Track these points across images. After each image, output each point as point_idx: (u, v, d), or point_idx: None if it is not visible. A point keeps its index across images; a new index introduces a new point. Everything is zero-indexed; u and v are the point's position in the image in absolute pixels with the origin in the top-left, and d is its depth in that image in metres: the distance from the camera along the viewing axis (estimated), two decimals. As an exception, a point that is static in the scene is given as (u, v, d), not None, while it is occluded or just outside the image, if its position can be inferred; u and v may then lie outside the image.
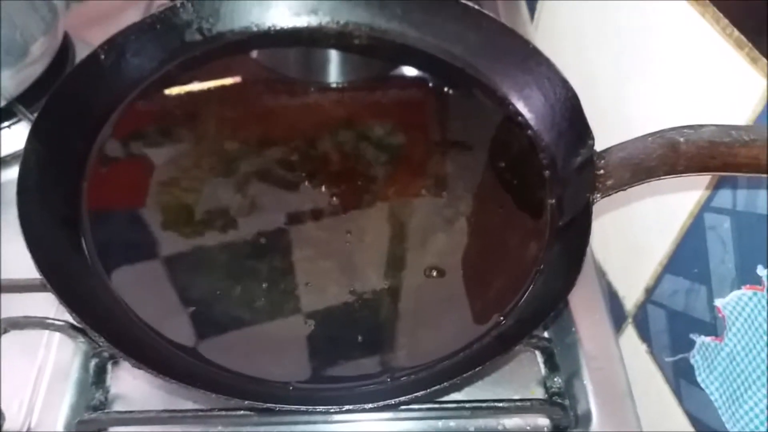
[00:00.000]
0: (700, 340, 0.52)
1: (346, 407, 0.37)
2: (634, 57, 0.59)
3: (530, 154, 0.53)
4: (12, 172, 0.61)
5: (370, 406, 0.37)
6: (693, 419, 0.54)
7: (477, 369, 0.38)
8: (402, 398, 0.37)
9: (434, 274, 0.48)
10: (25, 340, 0.50)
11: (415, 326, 0.46)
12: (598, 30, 0.66)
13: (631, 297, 0.60)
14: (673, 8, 0.50)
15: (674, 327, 0.56)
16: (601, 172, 0.46)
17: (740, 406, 0.47)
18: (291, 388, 0.41)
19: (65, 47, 0.65)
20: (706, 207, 0.50)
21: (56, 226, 0.46)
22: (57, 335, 0.51)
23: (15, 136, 0.61)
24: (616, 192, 0.46)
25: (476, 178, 0.54)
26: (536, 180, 0.52)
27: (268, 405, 0.37)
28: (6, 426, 0.47)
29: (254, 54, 0.61)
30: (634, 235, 0.59)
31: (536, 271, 0.46)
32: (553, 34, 0.76)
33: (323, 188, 0.53)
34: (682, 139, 0.44)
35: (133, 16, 0.73)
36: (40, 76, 0.61)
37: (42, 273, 0.40)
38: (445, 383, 0.37)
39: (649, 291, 0.59)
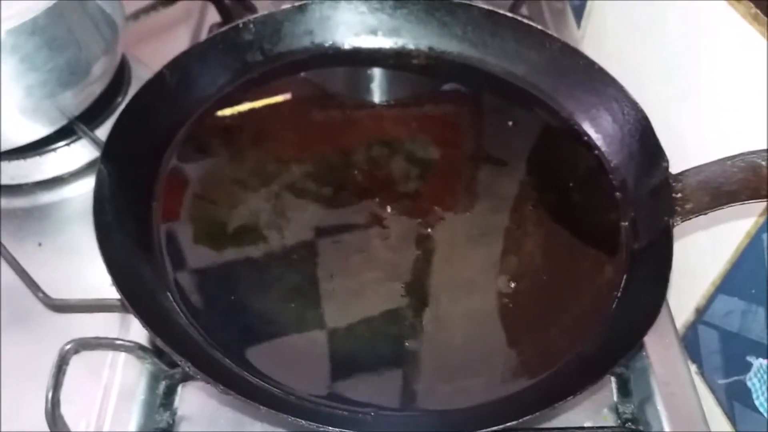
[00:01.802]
0: (758, 362, 0.51)
1: (439, 436, 0.36)
2: (688, 74, 0.59)
3: (599, 175, 0.53)
4: (70, 190, 0.62)
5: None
6: (747, 442, 0.53)
7: (568, 399, 0.37)
8: (493, 428, 0.37)
9: (508, 297, 0.48)
10: (90, 360, 0.49)
11: (491, 352, 0.45)
12: (648, 44, 0.66)
13: (679, 317, 0.59)
14: (730, 25, 0.50)
15: (728, 348, 0.55)
16: (679, 195, 0.46)
17: (801, 430, 0.47)
18: (372, 414, 0.41)
19: (122, 65, 0.65)
20: (765, 228, 0.49)
21: (132, 247, 0.46)
22: (122, 355, 0.50)
23: (74, 155, 0.61)
24: (696, 216, 0.45)
25: (545, 199, 0.53)
26: (608, 202, 0.51)
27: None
28: (74, 447, 0.46)
29: (314, 73, 0.61)
30: (685, 254, 0.58)
31: (615, 296, 0.46)
32: (599, 47, 0.76)
33: (389, 208, 0.53)
34: (764, 163, 0.43)
35: (184, 33, 0.74)
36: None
37: (124, 296, 0.40)
38: (539, 410, 0.37)
39: (700, 311, 0.58)
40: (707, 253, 0.56)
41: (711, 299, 0.57)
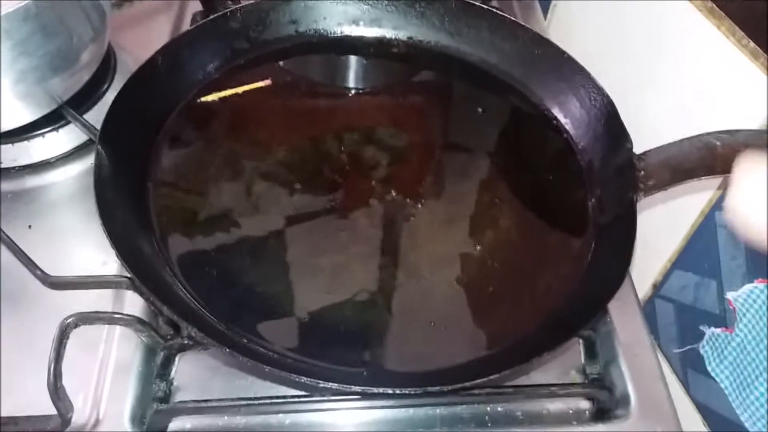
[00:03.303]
0: (710, 331, 0.55)
1: (430, 389, 0.39)
2: (647, 66, 0.62)
3: (568, 156, 0.57)
4: (57, 174, 0.63)
5: (449, 388, 0.40)
6: (699, 406, 0.57)
7: (545, 354, 0.41)
8: (478, 381, 0.40)
9: (485, 268, 0.51)
10: (86, 335, 0.51)
11: (472, 317, 0.49)
12: (610, 37, 0.69)
13: (638, 292, 0.63)
14: (687, 19, 0.54)
15: (683, 320, 0.59)
16: (642, 173, 0.50)
17: (751, 392, 0.51)
18: (364, 373, 0.44)
19: (108, 52, 0.66)
20: (717, 206, 0.54)
21: (132, 225, 0.48)
22: (117, 330, 0.52)
23: (61, 140, 0.63)
24: (658, 191, 0.49)
25: (518, 179, 0.57)
26: (576, 180, 0.55)
27: (366, 389, 0.39)
28: (74, 418, 0.48)
29: (297, 61, 0.64)
30: (643, 233, 0.62)
31: (584, 265, 0.50)
32: (564, 36, 0.79)
33: (366, 192, 0.56)
34: (718, 143, 0.47)
35: (165, 21, 0.76)
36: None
37: (131, 269, 0.42)
38: (518, 365, 0.40)
39: (657, 286, 0.62)
40: (664, 231, 0.60)
41: (667, 275, 0.61)
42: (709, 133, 0.48)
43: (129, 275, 0.43)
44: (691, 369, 0.59)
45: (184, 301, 0.46)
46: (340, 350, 0.46)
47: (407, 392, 0.39)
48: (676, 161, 0.49)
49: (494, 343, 0.46)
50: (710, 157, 0.47)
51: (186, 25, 0.75)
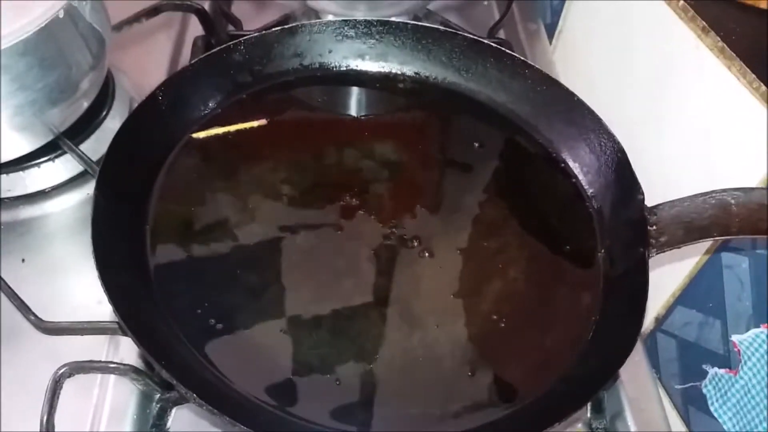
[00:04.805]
0: (713, 371, 0.54)
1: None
2: (654, 101, 0.62)
3: (577, 203, 0.56)
4: (53, 205, 0.62)
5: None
6: (701, 445, 0.56)
7: (554, 426, 0.40)
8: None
9: (492, 322, 0.50)
10: (80, 379, 0.49)
11: (478, 377, 0.47)
12: (616, 70, 0.68)
13: None
14: (697, 58, 0.53)
15: (685, 356, 0.58)
16: (654, 228, 0.49)
17: (754, 436, 0.50)
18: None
19: (106, 78, 0.65)
20: (723, 246, 0.53)
21: (129, 276, 0.46)
22: (112, 375, 0.51)
23: (57, 170, 0.61)
24: (671, 249, 0.48)
25: (525, 224, 0.56)
26: (585, 229, 0.54)
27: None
28: (66, 467, 0.47)
29: (301, 93, 0.62)
30: None
31: (593, 321, 0.49)
32: (570, 65, 0.78)
33: (385, 227, 0.55)
34: (733, 201, 0.47)
35: (165, 43, 0.74)
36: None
37: (129, 329, 0.40)
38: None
39: (660, 320, 0.62)
40: (668, 266, 0.59)
41: (670, 310, 0.60)
42: (723, 190, 0.47)
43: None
44: (693, 407, 0.58)
45: (182, 356, 0.44)
46: (343, 410, 0.44)
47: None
48: (689, 218, 0.47)
49: (501, 408, 0.45)
50: (725, 217, 0.46)
51: (187, 49, 0.73)
